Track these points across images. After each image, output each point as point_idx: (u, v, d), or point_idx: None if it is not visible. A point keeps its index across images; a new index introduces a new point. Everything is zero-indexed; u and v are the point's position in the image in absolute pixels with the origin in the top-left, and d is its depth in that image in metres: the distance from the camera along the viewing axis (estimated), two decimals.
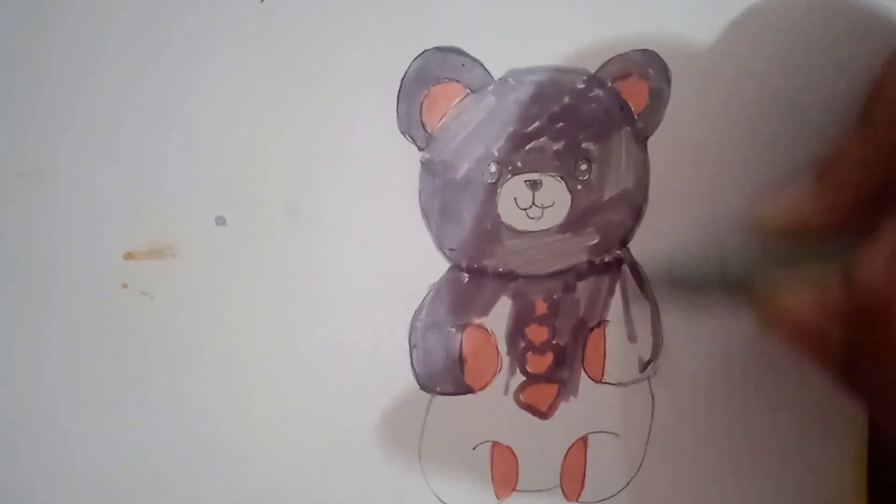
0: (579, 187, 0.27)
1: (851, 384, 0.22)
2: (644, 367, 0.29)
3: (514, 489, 0.29)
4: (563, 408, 0.29)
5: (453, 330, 0.27)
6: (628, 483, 0.30)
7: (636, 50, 0.26)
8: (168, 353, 0.25)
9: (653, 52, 0.26)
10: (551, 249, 0.27)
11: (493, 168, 0.26)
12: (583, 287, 0.28)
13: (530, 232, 0.27)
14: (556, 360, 0.28)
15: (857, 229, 0.22)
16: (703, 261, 0.26)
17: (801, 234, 0.24)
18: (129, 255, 0.24)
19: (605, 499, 0.30)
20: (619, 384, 0.29)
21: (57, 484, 0.25)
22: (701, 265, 0.26)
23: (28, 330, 0.23)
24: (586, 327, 0.28)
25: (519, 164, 0.26)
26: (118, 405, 0.24)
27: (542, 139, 0.26)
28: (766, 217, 0.25)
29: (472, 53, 0.25)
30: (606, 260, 0.28)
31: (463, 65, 0.25)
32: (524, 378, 0.28)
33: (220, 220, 0.24)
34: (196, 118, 0.23)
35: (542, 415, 0.29)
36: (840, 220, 0.24)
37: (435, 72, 0.25)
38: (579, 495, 0.30)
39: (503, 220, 0.26)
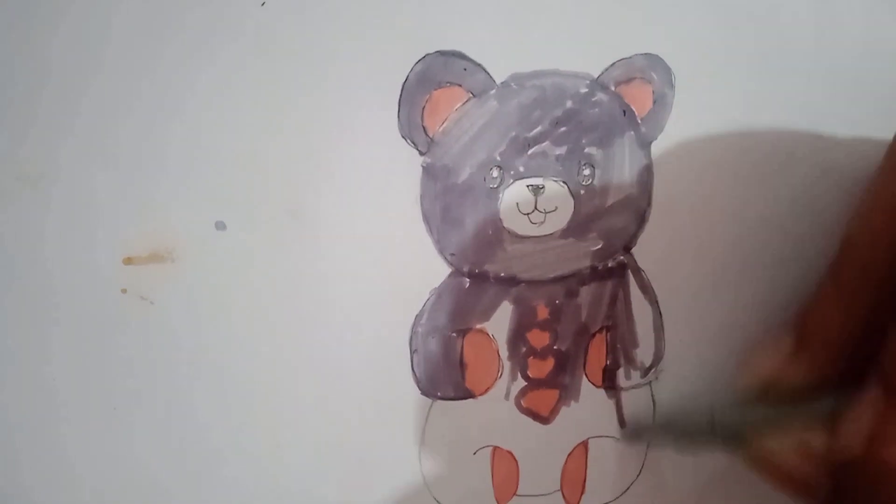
0: (582, 192, 0.27)
1: None
2: (646, 372, 0.29)
3: (514, 494, 0.29)
4: (565, 413, 0.29)
5: (454, 335, 0.27)
6: (628, 488, 0.30)
7: (640, 54, 0.26)
8: (168, 358, 0.24)
9: (656, 55, 0.26)
10: (553, 254, 0.27)
11: (494, 173, 0.26)
12: (585, 292, 0.28)
13: (532, 237, 0.27)
14: (557, 365, 0.28)
15: (841, 382, 0.23)
16: (694, 413, 0.26)
17: (783, 393, 0.24)
18: (128, 260, 0.24)
19: (606, 503, 0.30)
20: (621, 389, 0.29)
21: (56, 488, 0.25)
22: (692, 416, 0.26)
23: (27, 335, 0.23)
24: (588, 333, 0.28)
25: (521, 169, 0.26)
26: (118, 410, 0.24)
27: (544, 144, 0.26)
28: (745, 379, 0.25)
29: (474, 57, 0.25)
30: (609, 265, 0.28)
31: (465, 69, 0.25)
32: (525, 383, 0.28)
33: (221, 225, 0.24)
34: (196, 122, 0.23)
35: (544, 420, 0.29)
36: (820, 376, 0.24)
37: (437, 76, 0.24)
38: (580, 500, 0.30)
39: (505, 224, 0.26)
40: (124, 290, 0.24)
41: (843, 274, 0.23)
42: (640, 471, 0.30)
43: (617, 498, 0.30)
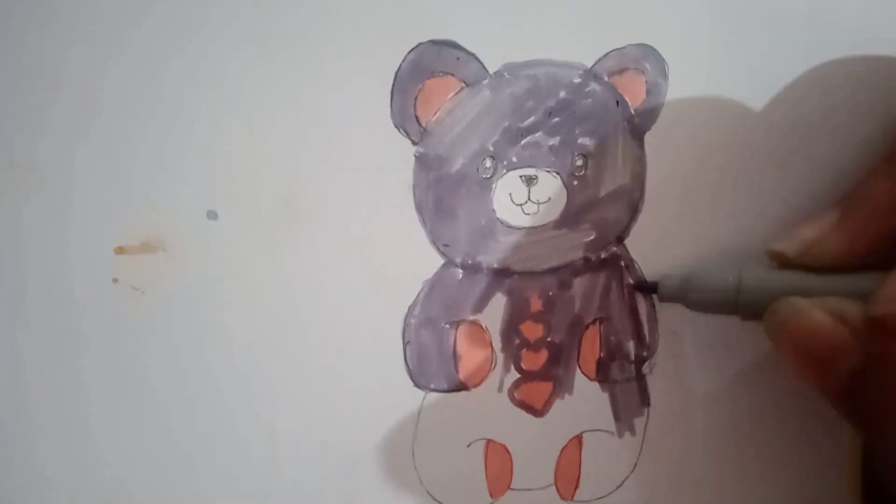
0: (575, 183, 0.27)
1: (851, 412, 0.22)
2: (640, 364, 0.29)
3: (508, 487, 0.29)
4: (558, 405, 0.29)
5: (447, 326, 0.27)
6: (623, 481, 0.30)
7: (633, 44, 0.26)
8: (159, 348, 0.24)
9: (650, 46, 0.26)
10: (547, 245, 0.27)
11: (487, 163, 0.26)
12: (579, 284, 0.28)
13: (525, 228, 0.27)
14: (550, 357, 0.28)
15: (879, 266, 0.22)
16: (720, 281, 0.25)
17: (824, 258, 0.24)
18: (120, 250, 0.23)
19: (600, 497, 0.30)
20: (615, 382, 0.29)
21: (46, 479, 0.24)
22: (717, 285, 0.25)
23: (17, 324, 0.23)
24: (582, 324, 0.28)
25: (514, 159, 0.26)
26: (108, 400, 0.24)
27: (537, 134, 0.26)
28: (786, 248, 0.25)
29: (467, 47, 0.25)
30: (603, 256, 0.28)
31: (458, 58, 0.25)
32: (519, 375, 0.28)
33: (212, 215, 0.24)
34: (188, 112, 0.23)
35: (537, 412, 0.29)
36: (862, 256, 0.24)
37: (430, 65, 0.24)
38: (574, 494, 0.29)
39: (498, 215, 0.26)
40: (115, 280, 0.24)
41: None
42: (635, 465, 0.30)
43: (612, 492, 0.30)
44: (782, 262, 0.25)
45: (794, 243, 0.25)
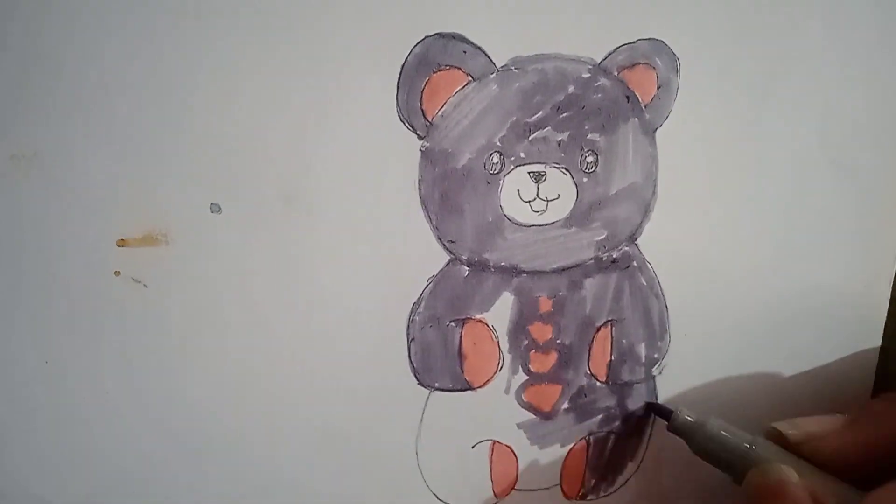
0: (585, 180, 0.26)
1: None
2: (651, 366, 0.28)
3: (513, 488, 0.28)
4: (567, 408, 0.28)
5: (452, 324, 0.26)
6: (626, 481, 0.29)
7: (644, 39, 0.25)
8: (160, 341, 0.24)
9: (661, 41, 0.26)
10: (556, 244, 0.27)
11: (495, 158, 0.25)
12: (590, 284, 0.27)
13: (534, 225, 0.26)
14: (560, 359, 0.28)
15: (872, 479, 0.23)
16: (735, 444, 0.26)
17: (816, 461, 0.25)
18: (122, 242, 0.23)
19: (605, 496, 0.29)
20: (625, 384, 0.28)
21: (46, 472, 0.24)
22: (731, 446, 0.26)
23: (19, 316, 0.23)
24: (593, 326, 0.28)
25: (522, 155, 0.25)
26: (110, 393, 0.24)
27: (545, 129, 0.25)
28: (788, 432, 0.25)
29: (474, 40, 0.24)
30: (614, 256, 0.27)
31: (465, 52, 0.24)
32: (527, 377, 0.27)
33: (215, 208, 0.24)
34: (192, 104, 0.23)
35: (545, 415, 0.28)
36: (857, 465, 0.24)
37: (436, 58, 0.24)
38: (579, 494, 0.29)
39: (505, 212, 0.26)
40: (117, 273, 0.23)
41: None
42: (639, 465, 0.29)
43: (615, 490, 0.29)
44: (779, 442, 0.26)
45: (798, 430, 0.25)
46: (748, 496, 0.24)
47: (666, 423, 0.27)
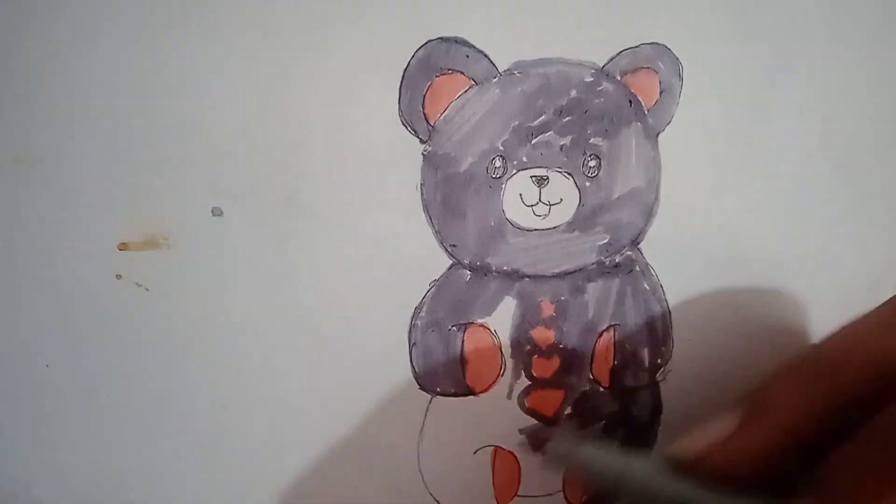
0: (588, 184, 0.26)
1: None
2: (654, 372, 0.28)
3: (515, 494, 0.28)
4: (570, 413, 0.28)
5: (454, 329, 0.26)
6: None
7: (646, 43, 0.25)
8: (162, 345, 0.24)
9: (664, 45, 0.26)
10: (558, 248, 0.26)
11: (497, 162, 0.25)
12: (592, 289, 0.27)
13: (536, 230, 0.26)
14: (563, 364, 0.28)
15: (778, 480, 0.21)
16: (606, 467, 0.24)
17: (713, 471, 0.22)
18: (123, 246, 0.23)
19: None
20: (629, 389, 0.28)
21: (49, 476, 0.24)
22: (603, 470, 0.24)
23: (20, 320, 0.23)
24: (595, 331, 0.28)
25: (525, 159, 0.25)
26: (112, 397, 0.24)
27: (548, 133, 0.25)
28: (679, 456, 0.23)
29: (476, 44, 0.24)
30: (617, 261, 0.27)
31: (467, 56, 0.24)
32: (529, 382, 0.27)
33: (217, 211, 0.24)
34: (194, 108, 0.23)
35: (548, 421, 0.28)
36: (760, 468, 0.22)
37: (439, 62, 0.24)
38: (582, 501, 0.29)
39: (508, 216, 0.26)
40: (119, 276, 0.24)
41: (817, 367, 0.22)
42: None
43: (619, 499, 0.29)
44: (675, 466, 0.23)
45: (687, 452, 0.22)
46: None
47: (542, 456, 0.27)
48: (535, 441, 0.28)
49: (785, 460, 0.21)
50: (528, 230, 0.26)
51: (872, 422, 0.19)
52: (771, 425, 0.22)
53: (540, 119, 0.25)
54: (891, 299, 0.22)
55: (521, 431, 0.28)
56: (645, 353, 0.28)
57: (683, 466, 0.23)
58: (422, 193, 0.25)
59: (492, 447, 0.28)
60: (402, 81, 0.24)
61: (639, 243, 0.27)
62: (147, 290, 0.24)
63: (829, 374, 0.21)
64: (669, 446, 0.23)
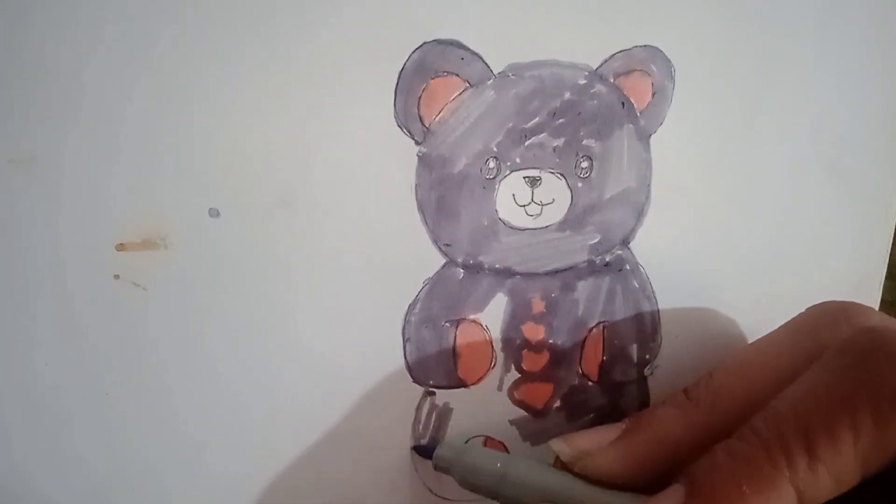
0: (580, 185, 0.26)
1: None
2: (642, 367, 0.29)
3: None
4: (559, 406, 0.29)
5: (447, 325, 0.27)
6: None
7: (639, 46, 0.26)
8: (160, 345, 0.24)
9: (656, 48, 0.26)
10: (550, 247, 0.27)
11: (491, 164, 0.26)
12: (582, 287, 0.28)
13: (528, 229, 0.27)
14: (552, 359, 0.28)
15: (649, 488, 0.22)
16: (487, 465, 0.25)
17: (590, 469, 0.24)
18: (121, 246, 0.24)
19: None
20: (617, 384, 0.29)
21: (49, 474, 0.25)
22: (484, 468, 0.25)
23: (19, 320, 0.23)
24: (585, 328, 0.28)
25: (518, 160, 0.26)
26: (110, 396, 0.24)
27: (541, 135, 0.26)
28: (561, 451, 0.25)
29: (471, 47, 0.24)
30: (607, 260, 0.28)
31: (462, 58, 0.24)
32: (519, 375, 0.28)
33: (214, 212, 0.24)
34: (190, 108, 0.23)
35: (538, 413, 0.29)
36: (633, 476, 0.24)
37: (434, 65, 0.24)
38: None
39: (501, 216, 0.26)
40: (117, 276, 0.24)
41: (699, 396, 0.24)
42: None
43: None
44: (559, 462, 0.25)
45: (569, 448, 0.25)
46: None
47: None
48: (525, 431, 0.29)
49: (660, 469, 0.23)
50: (520, 229, 0.26)
51: (747, 423, 0.21)
52: (648, 438, 0.24)
53: (534, 121, 0.25)
54: (785, 326, 0.25)
55: (511, 422, 0.29)
56: (633, 349, 0.29)
57: (563, 463, 0.25)
58: (416, 194, 0.25)
59: (483, 437, 0.28)
60: (397, 83, 0.24)
61: (629, 242, 0.28)
62: (144, 289, 0.24)
63: (711, 399, 0.24)
64: (553, 440, 0.25)
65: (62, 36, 0.22)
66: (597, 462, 0.24)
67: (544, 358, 0.28)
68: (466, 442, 0.28)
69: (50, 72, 0.22)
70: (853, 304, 0.25)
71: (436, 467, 0.27)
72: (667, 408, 0.24)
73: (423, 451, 0.28)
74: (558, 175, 0.26)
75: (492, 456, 0.26)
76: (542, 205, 0.26)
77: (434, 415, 0.28)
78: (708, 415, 0.23)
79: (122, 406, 0.25)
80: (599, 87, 0.26)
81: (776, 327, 0.25)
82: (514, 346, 0.28)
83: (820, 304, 0.25)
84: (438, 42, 0.24)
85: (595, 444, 0.24)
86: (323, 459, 0.27)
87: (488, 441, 0.28)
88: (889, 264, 0.31)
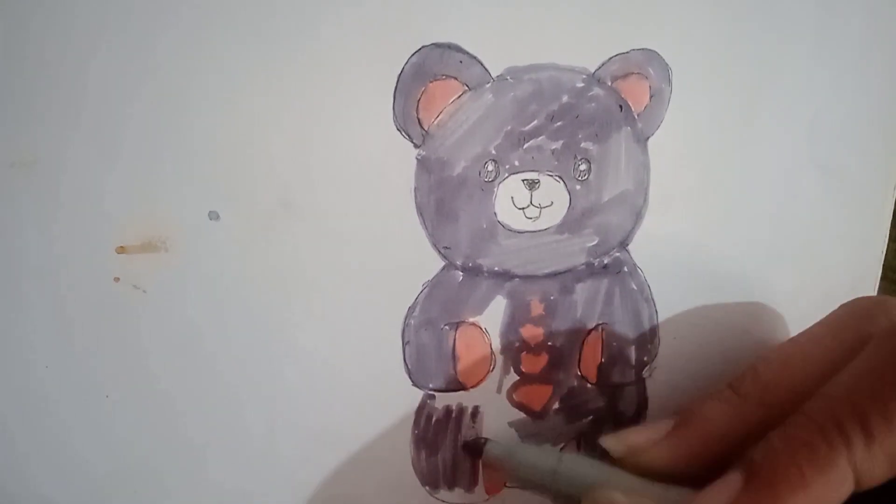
0: (578, 187, 0.27)
1: None
2: (641, 369, 0.29)
3: (504, 485, 0.29)
4: (558, 408, 0.29)
5: (447, 328, 0.27)
6: None
7: (637, 49, 0.26)
8: (160, 348, 0.24)
9: (654, 51, 0.26)
10: (548, 250, 0.27)
11: (490, 166, 0.26)
12: (581, 289, 0.28)
13: (527, 231, 0.27)
14: (551, 361, 0.28)
15: (701, 482, 0.22)
16: (539, 460, 0.25)
17: (644, 473, 0.24)
18: (121, 249, 0.24)
19: None
20: (616, 386, 0.29)
21: (49, 475, 0.25)
22: (537, 463, 0.25)
23: (19, 322, 0.23)
24: (584, 330, 0.28)
25: (516, 163, 0.26)
26: (110, 398, 0.24)
27: (540, 138, 0.26)
28: (612, 448, 0.25)
29: (470, 50, 0.24)
30: (605, 262, 0.28)
31: (461, 61, 0.25)
32: (518, 377, 0.28)
33: (214, 215, 0.24)
34: (190, 112, 0.23)
35: (536, 415, 0.29)
36: (685, 471, 0.24)
37: (432, 68, 0.24)
38: None
39: (499, 219, 0.26)
40: (117, 279, 0.24)
41: (748, 390, 0.25)
42: None
43: None
44: (609, 458, 0.25)
45: (621, 445, 0.25)
46: None
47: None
48: (524, 433, 0.29)
49: (710, 463, 0.24)
50: (519, 232, 0.27)
51: (800, 410, 0.22)
52: (699, 433, 0.24)
53: (532, 124, 0.26)
54: (822, 321, 0.26)
55: (510, 424, 0.29)
56: (632, 351, 0.29)
57: (614, 458, 0.25)
58: (416, 197, 0.25)
59: (482, 439, 0.28)
60: (396, 87, 0.24)
61: (627, 245, 0.28)
62: (144, 292, 0.24)
63: (758, 392, 0.24)
64: (604, 437, 0.25)
65: (63, 39, 0.22)
66: (649, 458, 0.24)
67: (543, 360, 0.28)
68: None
69: (51, 75, 0.22)
70: (887, 297, 0.25)
71: (484, 464, 0.27)
72: (715, 403, 0.25)
73: (471, 447, 0.28)
74: (556, 178, 0.26)
75: (543, 452, 0.26)
76: (541, 207, 0.26)
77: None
78: (756, 408, 0.24)
79: (123, 408, 0.25)
80: (597, 90, 0.26)
81: (810, 324, 0.26)
82: (514, 349, 0.28)
83: (853, 300, 0.26)
84: (437, 45, 0.24)
85: (647, 440, 0.25)
86: (322, 462, 0.27)
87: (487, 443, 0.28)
88: (884, 265, 0.31)
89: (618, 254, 0.28)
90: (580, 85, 0.26)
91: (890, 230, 0.31)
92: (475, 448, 0.28)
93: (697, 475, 0.23)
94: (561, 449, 0.29)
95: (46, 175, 0.23)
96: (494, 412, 0.28)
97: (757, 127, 0.27)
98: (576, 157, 0.26)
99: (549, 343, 0.28)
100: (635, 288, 0.28)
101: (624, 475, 0.24)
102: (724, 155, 0.27)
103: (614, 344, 0.29)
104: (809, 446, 0.20)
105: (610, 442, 0.25)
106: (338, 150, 0.24)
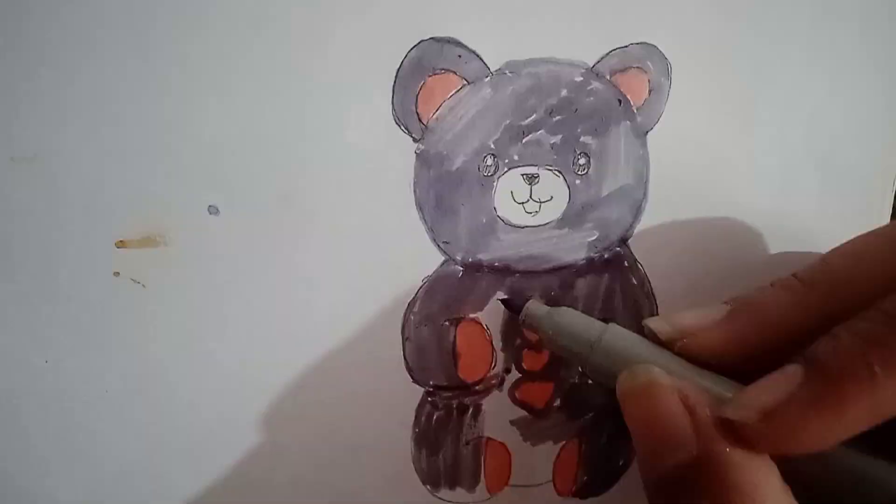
0: (578, 182, 0.27)
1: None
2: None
3: (506, 484, 0.29)
4: (559, 405, 0.29)
5: (447, 324, 0.27)
6: (619, 479, 0.30)
7: (636, 43, 0.26)
8: (159, 342, 0.24)
9: (653, 45, 0.26)
10: (549, 245, 0.27)
11: (489, 161, 0.26)
12: (581, 284, 0.28)
13: (527, 226, 0.27)
14: (552, 358, 0.28)
15: (749, 375, 0.21)
16: (582, 325, 0.24)
17: (691, 358, 0.23)
18: (121, 244, 0.24)
19: (597, 493, 0.29)
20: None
21: (47, 470, 0.25)
22: (579, 327, 0.24)
23: (19, 317, 0.23)
24: None
25: (516, 158, 0.26)
26: (109, 392, 0.24)
27: (539, 132, 0.26)
28: (659, 329, 0.23)
29: (469, 44, 0.24)
30: (606, 257, 0.28)
31: (460, 56, 0.25)
32: (520, 375, 0.28)
33: (213, 209, 0.24)
34: (189, 106, 0.23)
35: (538, 413, 0.28)
36: (736, 360, 0.22)
37: (431, 62, 0.24)
38: (572, 490, 0.29)
39: (499, 213, 0.26)
40: (116, 274, 0.24)
41: (814, 279, 0.23)
42: (632, 461, 0.30)
43: (609, 489, 0.30)
44: (655, 341, 0.23)
45: (670, 326, 0.23)
46: (619, 400, 0.22)
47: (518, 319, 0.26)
48: (526, 431, 0.29)
49: (764, 355, 0.21)
50: (518, 227, 0.26)
51: (874, 305, 0.19)
52: (757, 320, 0.22)
53: (531, 118, 0.26)
54: (883, 227, 0.23)
55: (511, 423, 0.28)
56: None
57: (661, 340, 0.23)
58: (415, 191, 0.25)
59: (483, 438, 0.28)
60: (395, 81, 0.24)
61: (627, 240, 0.28)
62: (144, 286, 0.24)
63: (828, 283, 0.22)
64: (650, 318, 0.24)
65: (63, 35, 0.22)
66: (699, 342, 0.22)
67: (545, 357, 0.28)
68: (467, 443, 0.28)
69: (51, 71, 0.22)
70: None
71: (523, 323, 0.25)
72: (777, 290, 0.23)
73: (511, 304, 0.27)
74: (556, 172, 0.26)
75: (587, 321, 0.24)
76: (541, 202, 0.26)
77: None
78: (822, 299, 0.22)
79: (121, 402, 0.25)
80: (596, 85, 0.26)
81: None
82: (515, 346, 0.28)
83: None
84: (436, 40, 0.24)
85: (699, 323, 0.23)
86: (323, 459, 0.27)
87: (489, 442, 0.28)
88: None
89: (618, 249, 0.28)
90: (579, 79, 0.26)
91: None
92: (515, 305, 0.26)
93: (745, 370, 0.21)
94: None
95: (46, 170, 0.23)
96: (496, 410, 0.28)
97: (756, 121, 0.27)
98: (575, 151, 0.26)
99: None
100: (636, 283, 0.28)
101: (669, 357, 0.23)
102: (723, 149, 0.27)
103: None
104: (883, 343, 0.18)
105: (657, 323, 0.23)
106: (337, 144, 0.24)
